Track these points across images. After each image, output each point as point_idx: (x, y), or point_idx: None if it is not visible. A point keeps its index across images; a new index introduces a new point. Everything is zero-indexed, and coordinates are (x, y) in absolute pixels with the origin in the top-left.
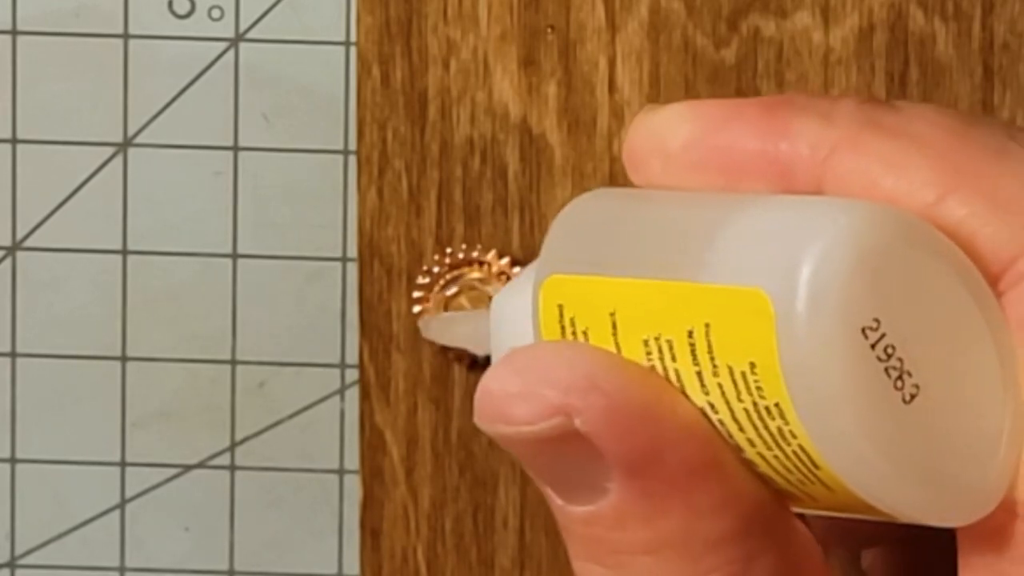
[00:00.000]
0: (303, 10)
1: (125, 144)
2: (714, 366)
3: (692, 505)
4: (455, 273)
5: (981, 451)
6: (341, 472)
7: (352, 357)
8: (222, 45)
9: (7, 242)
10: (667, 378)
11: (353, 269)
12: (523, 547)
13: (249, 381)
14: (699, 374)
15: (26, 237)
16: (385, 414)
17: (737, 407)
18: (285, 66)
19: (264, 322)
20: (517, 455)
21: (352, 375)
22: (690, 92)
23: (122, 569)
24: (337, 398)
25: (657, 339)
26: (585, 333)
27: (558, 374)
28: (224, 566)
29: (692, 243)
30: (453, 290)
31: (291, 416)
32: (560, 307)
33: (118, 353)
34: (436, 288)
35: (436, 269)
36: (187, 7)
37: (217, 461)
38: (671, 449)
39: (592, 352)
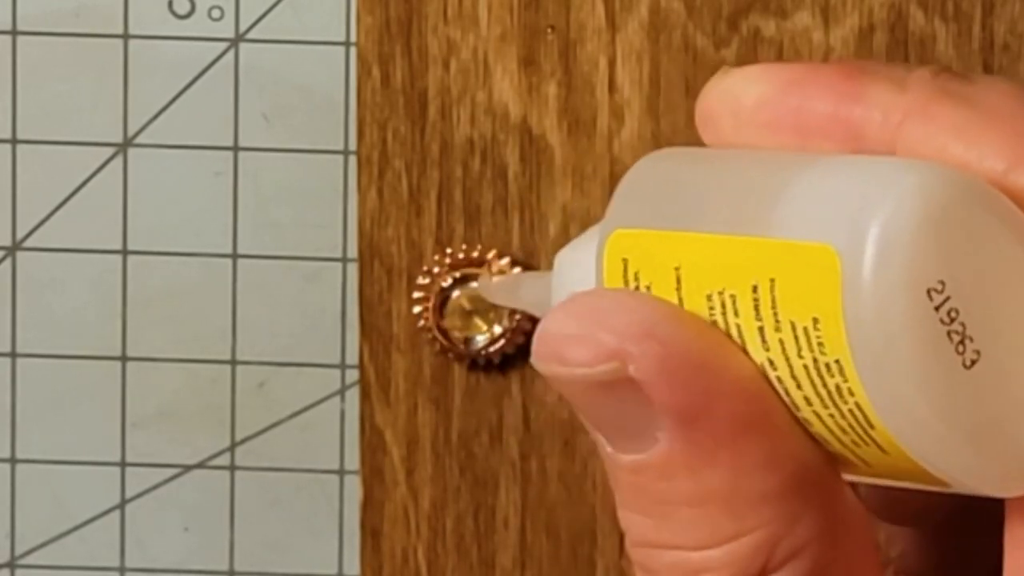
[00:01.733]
0: (303, 10)
1: (125, 144)
2: (776, 321)
3: (739, 460)
4: (455, 273)
5: None
6: (341, 472)
7: (352, 357)
8: (222, 45)
9: (7, 242)
10: (728, 333)
11: (353, 269)
12: (524, 547)
13: (249, 381)
14: (761, 329)
15: (26, 237)
16: (385, 414)
17: (796, 363)
18: (285, 66)
19: (264, 322)
20: (569, 398)
21: (352, 375)
22: (690, 92)
23: (122, 569)
24: (337, 398)
25: (721, 294)
26: (649, 287)
27: (616, 320)
28: (224, 566)
29: (761, 199)
30: (450, 288)
31: (291, 416)
32: (625, 261)
33: (118, 353)
34: (436, 288)
35: (436, 269)
36: (187, 7)
37: (217, 461)
38: (722, 402)
39: (651, 301)
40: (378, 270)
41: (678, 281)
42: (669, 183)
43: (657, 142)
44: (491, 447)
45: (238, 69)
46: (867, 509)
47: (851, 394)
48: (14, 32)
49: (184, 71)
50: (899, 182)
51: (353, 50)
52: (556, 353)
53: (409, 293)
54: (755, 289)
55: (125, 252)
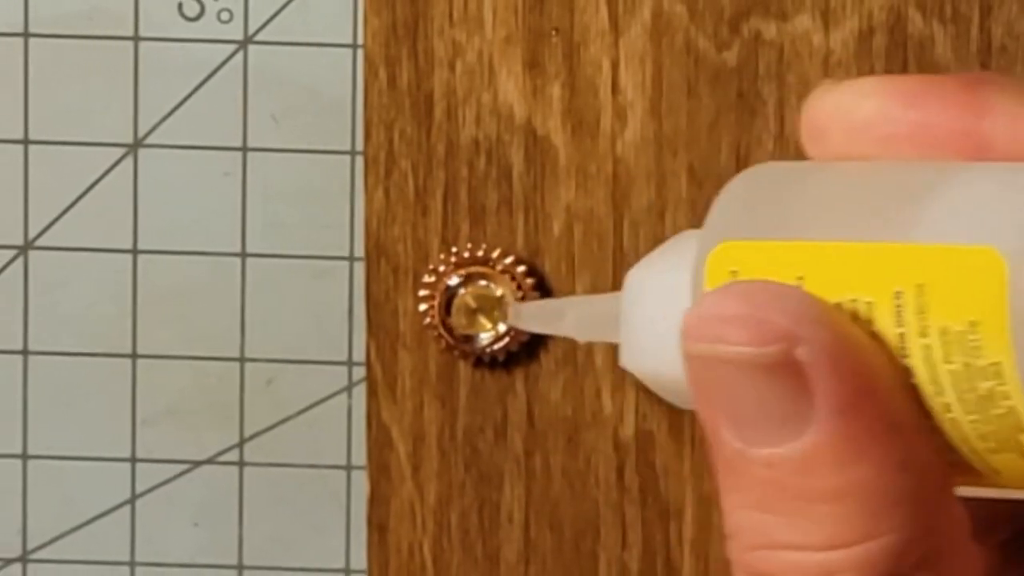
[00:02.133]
0: (311, 13)
1: (135, 145)
2: (923, 326)
3: (885, 457)
4: (460, 271)
5: None
6: (348, 468)
7: (359, 355)
8: (231, 47)
9: (19, 242)
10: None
11: (360, 268)
12: (528, 542)
13: (257, 378)
14: (902, 335)
15: (37, 237)
16: (392, 411)
17: (942, 368)
18: (293, 68)
19: (272, 320)
20: (710, 383)
21: (359, 372)
22: (692, 94)
23: (132, 564)
24: (344, 395)
25: (854, 301)
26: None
27: (787, 302)
28: (233, 561)
29: (902, 205)
30: (456, 286)
31: (299, 413)
32: (734, 273)
33: (128, 351)
34: (442, 286)
35: (442, 268)
36: (197, 10)
37: (226, 457)
38: (880, 397)
39: (811, 295)
40: (385, 269)
41: None
42: (778, 195)
43: (659, 143)
44: (496, 443)
45: (247, 71)
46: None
47: (1006, 398)
48: (26, 34)
49: (193, 73)
50: None
51: (360, 52)
52: (718, 333)
53: (415, 291)
54: (898, 295)
55: (135, 251)
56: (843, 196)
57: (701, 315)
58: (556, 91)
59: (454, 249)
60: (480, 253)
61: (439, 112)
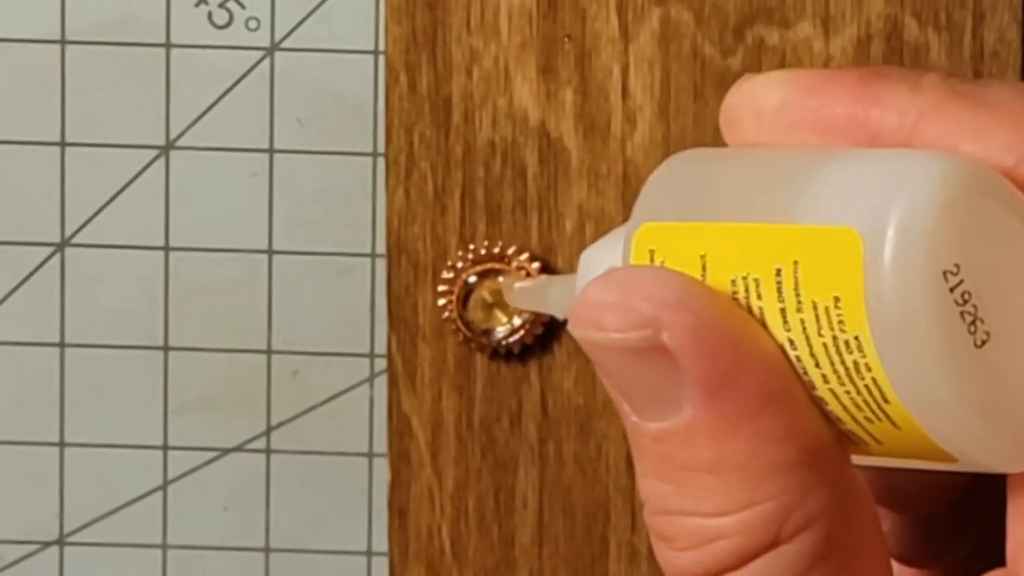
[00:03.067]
0: (334, 21)
1: (167, 147)
2: (799, 301)
3: (760, 431)
4: (477, 268)
5: None
6: (370, 455)
7: (381, 347)
8: (258, 54)
9: (56, 239)
10: (751, 314)
11: (382, 265)
12: (541, 526)
13: (284, 370)
14: (783, 310)
15: (74, 234)
16: (412, 401)
17: (816, 341)
18: (317, 74)
19: (298, 314)
20: (600, 365)
21: (381, 364)
22: (698, 98)
23: (164, 547)
24: (367, 386)
25: (745, 278)
26: None
27: (652, 290)
28: (261, 544)
29: (785, 189)
30: (473, 282)
31: (323, 403)
32: (651, 252)
33: (160, 343)
34: (460, 282)
35: (460, 264)
36: (225, 18)
37: (254, 445)
38: (748, 374)
39: (684, 277)
40: (405, 265)
41: (703, 268)
42: (693, 180)
43: (667, 145)
44: (511, 431)
45: (273, 76)
46: None
47: (868, 369)
48: (63, 41)
49: (222, 78)
50: (920, 171)
51: (381, 58)
52: (594, 319)
53: (434, 287)
54: (778, 272)
55: (167, 248)
56: (742, 181)
57: (581, 302)
58: (569, 96)
59: (471, 246)
60: (496, 250)
61: (457, 116)
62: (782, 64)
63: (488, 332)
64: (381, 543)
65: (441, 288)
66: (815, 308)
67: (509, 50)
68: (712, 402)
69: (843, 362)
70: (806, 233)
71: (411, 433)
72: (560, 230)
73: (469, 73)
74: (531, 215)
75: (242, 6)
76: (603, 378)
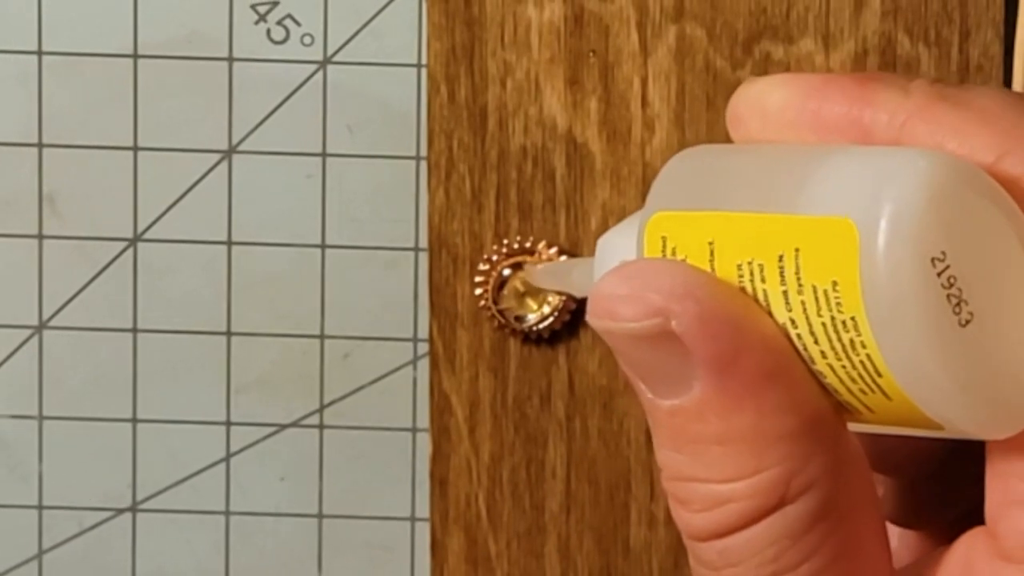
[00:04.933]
0: (382, 37)
1: (230, 151)
2: (799, 285)
3: (762, 404)
4: (511, 261)
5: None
6: (414, 431)
7: (423, 333)
8: (312, 67)
9: (129, 235)
10: (755, 298)
11: (424, 258)
12: (569, 494)
13: (336, 353)
14: (785, 293)
15: (146, 230)
16: (451, 381)
17: (815, 321)
18: (366, 85)
19: (348, 302)
20: (617, 350)
21: (423, 348)
22: (711, 107)
23: (227, 513)
24: (410, 367)
25: (750, 263)
26: (685, 259)
27: (661, 282)
28: (314, 511)
29: (788, 181)
30: (507, 274)
31: (371, 383)
32: (663, 239)
33: (224, 329)
34: (495, 274)
35: (495, 258)
36: (283, 34)
37: (308, 421)
38: (749, 354)
39: (690, 267)
40: (445, 258)
41: (711, 253)
42: (703, 172)
43: (683, 149)
44: (541, 409)
45: (326, 87)
46: None
47: (863, 347)
48: (135, 56)
49: (279, 89)
50: (909, 166)
51: (424, 71)
52: (608, 310)
53: (471, 278)
54: (781, 258)
55: (230, 243)
56: (747, 174)
57: (596, 295)
58: (593, 105)
59: (505, 241)
60: (528, 245)
61: (492, 123)
62: None
63: (520, 319)
64: (423, 510)
65: (478, 279)
66: (815, 291)
67: (539, 64)
68: (718, 380)
69: (840, 340)
70: (806, 223)
71: (450, 410)
72: (585, 226)
73: (503, 84)
74: (559, 213)
75: (298, 23)
76: (620, 361)
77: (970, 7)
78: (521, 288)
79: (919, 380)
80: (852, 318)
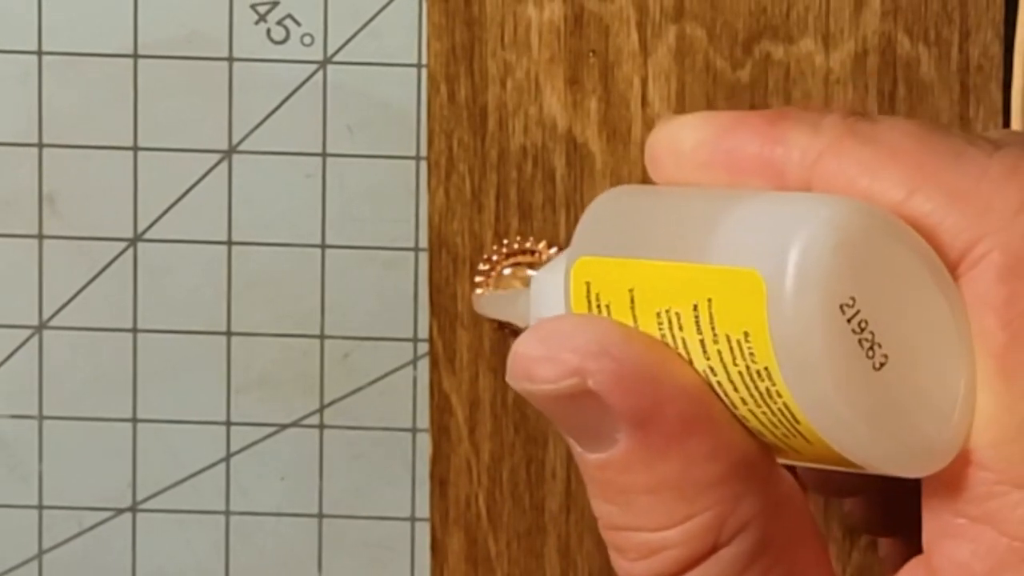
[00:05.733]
0: (382, 37)
1: (230, 151)
2: (715, 335)
3: (687, 453)
4: (511, 261)
5: (940, 412)
6: (414, 431)
7: (423, 332)
8: (312, 67)
9: (129, 235)
10: (675, 345)
11: (424, 258)
12: (569, 495)
13: (335, 353)
14: (702, 342)
15: (146, 230)
16: (451, 381)
17: (732, 370)
18: (366, 85)
19: (348, 302)
20: (541, 409)
21: (423, 348)
22: (711, 107)
23: (227, 513)
24: (410, 367)
25: (668, 312)
26: (608, 306)
27: (576, 341)
28: (314, 510)
29: (698, 230)
30: (508, 272)
31: (371, 383)
32: (587, 284)
33: (224, 329)
34: (494, 273)
35: (494, 257)
36: (283, 34)
37: (308, 421)
38: (669, 405)
39: (606, 323)
40: (445, 258)
41: (632, 301)
42: (623, 216)
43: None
44: None
45: (326, 87)
46: (805, 485)
47: (779, 395)
48: (135, 56)
49: (279, 89)
50: (813, 215)
51: (423, 71)
52: (527, 372)
53: (471, 277)
54: (695, 307)
55: (230, 243)
56: (661, 220)
57: (514, 357)
58: (593, 104)
59: (505, 241)
60: (528, 245)
61: (492, 123)
62: (787, 77)
63: None
64: (423, 510)
65: (478, 279)
66: (728, 341)
67: (539, 63)
68: (639, 433)
69: (757, 388)
70: (716, 274)
71: (451, 410)
72: None
73: (503, 84)
74: (559, 213)
75: (298, 23)
76: (547, 416)
77: (970, 7)
78: (519, 285)
79: (836, 426)
80: (765, 368)
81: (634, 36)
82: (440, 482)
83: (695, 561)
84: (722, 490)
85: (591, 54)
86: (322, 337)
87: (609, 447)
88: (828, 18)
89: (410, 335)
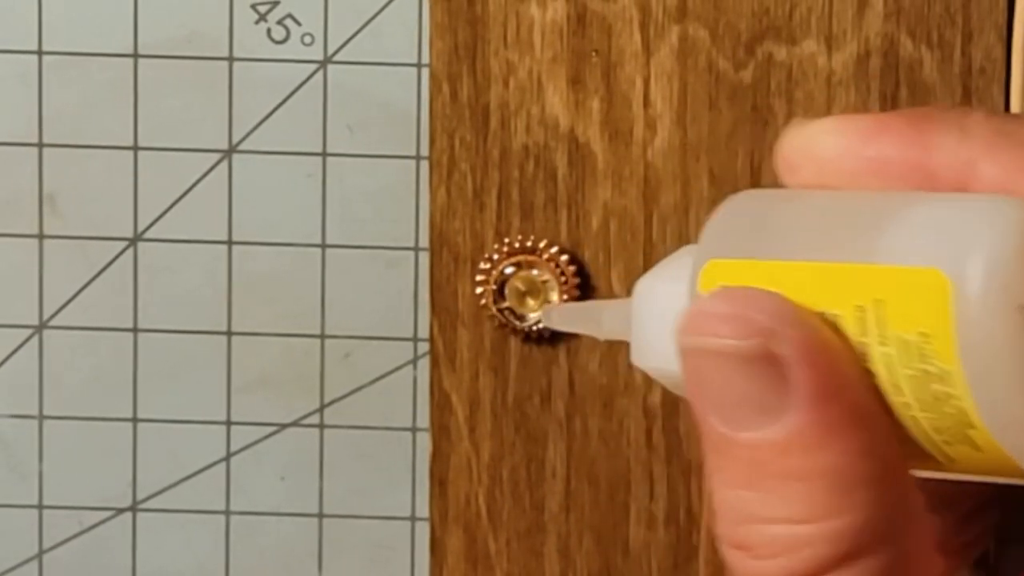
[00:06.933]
0: (383, 37)
1: (230, 151)
2: (883, 336)
3: (852, 444)
4: (512, 260)
5: None
6: (414, 430)
7: (424, 332)
8: (312, 67)
9: (130, 234)
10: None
11: (425, 257)
12: (569, 494)
13: (336, 352)
14: (864, 344)
15: (146, 230)
16: (451, 380)
17: (901, 373)
18: (367, 85)
19: (348, 302)
20: (700, 375)
21: (424, 347)
22: (713, 108)
23: (227, 512)
24: (411, 367)
25: (822, 314)
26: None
27: (767, 304)
28: (315, 510)
29: (863, 230)
30: (508, 273)
31: (371, 382)
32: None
33: (224, 328)
34: (495, 273)
35: (496, 257)
36: (283, 34)
37: (309, 421)
38: (850, 389)
39: (789, 300)
40: (446, 257)
41: None
42: (757, 219)
43: (684, 149)
44: (541, 408)
45: (326, 87)
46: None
47: (956, 399)
48: (135, 56)
49: (280, 89)
50: (998, 215)
51: (425, 70)
52: (710, 327)
53: (472, 277)
54: (860, 309)
55: (230, 242)
56: (811, 222)
57: (695, 313)
58: (595, 104)
59: (506, 240)
60: (529, 244)
61: (494, 122)
62: (789, 77)
63: (521, 318)
64: (423, 509)
65: (479, 278)
66: (901, 343)
67: (542, 63)
68: (814, 412)
69: (929, 391)
70: (888, 273)
71: (451, 409)
72: (587, 226)
73: (506, 84)
74: (561, 212)
75: (298, 23)
76: (695, 390)
77: (973, 9)
78: (522, 287)
79: (1017, 431)
80: (944, 370)
81: (637, 36)
82: (440, 481)
83: (833, 564)
84: (872, 492)
85: (593, 54)
86: (323, 337)
87: (769, 424)
88: (831, 20)
89: (410, 335)
